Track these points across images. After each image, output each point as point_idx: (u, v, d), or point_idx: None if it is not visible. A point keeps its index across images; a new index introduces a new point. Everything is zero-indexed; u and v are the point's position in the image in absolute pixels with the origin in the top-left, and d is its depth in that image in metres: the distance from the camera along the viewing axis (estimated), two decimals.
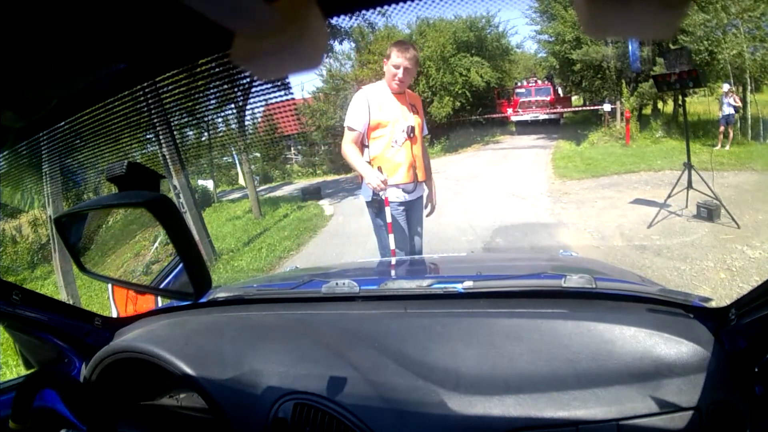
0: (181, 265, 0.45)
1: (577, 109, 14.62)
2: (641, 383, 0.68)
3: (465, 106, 13.95)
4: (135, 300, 2.11)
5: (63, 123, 0.55)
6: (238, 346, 0.91)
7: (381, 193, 2.16)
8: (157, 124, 0.76)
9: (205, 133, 5.89)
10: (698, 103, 10.82)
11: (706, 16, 8.98)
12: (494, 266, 1.62)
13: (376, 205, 2.24)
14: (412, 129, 2.25)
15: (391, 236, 2.21)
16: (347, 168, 2.40)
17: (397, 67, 2.16)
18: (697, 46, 9.07)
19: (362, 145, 2.27)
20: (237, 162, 9.07)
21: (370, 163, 2.22)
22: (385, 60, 2.22)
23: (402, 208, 2.30)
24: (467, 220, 5.37)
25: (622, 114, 10.98)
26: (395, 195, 2.26)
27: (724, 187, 5.10)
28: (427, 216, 2.51)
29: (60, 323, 0.96)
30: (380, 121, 2.21)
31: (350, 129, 2.23)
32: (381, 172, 2.14)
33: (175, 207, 0.44)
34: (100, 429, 0.69)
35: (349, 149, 2.23)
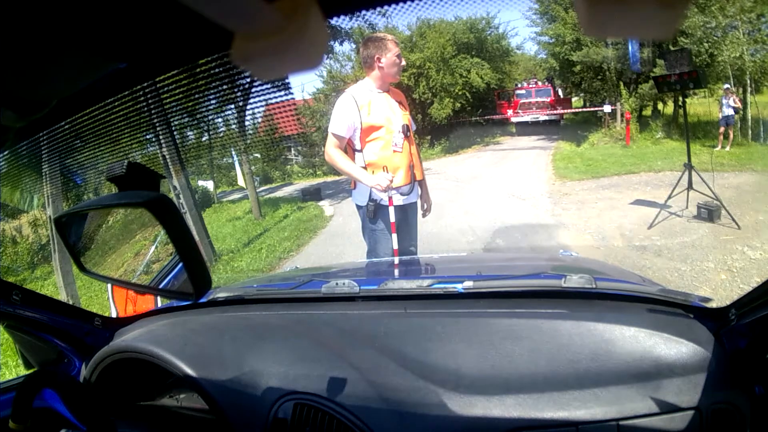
0: (180, 265, 0.45)
1: (577, 110, 14.61)
2: (641, 383, 0.68)
3: (465, 107, 13.94)
4: (135, 300, 2.11)
5: (63, 123, 0.55)
6: (238, 346, 0.91)
7: (387, 193, 2.09)
8: (157, 124, 0.76)
9: (206, 134, 5.88)
10: (698, 105, 10.83)
11: (705, 18, 8.99)
12: (494, 266, 1.62)
13: (372, 209, 2.14)
14: (407, 128, 2.16)
15: (395, 236, 2.15)
16: None
17: (399, 56, 2.11)
18: (697, 47, 9.08)
19: (353, 150, 2.17)
20: (236, 163, 9.05)
21: (365, 168, 2.12)
22: (377, 58, 2.09)
23: (398, 213, 2.18)
24: (467, 221, 5.35)
25: (622, 115, 10.98)
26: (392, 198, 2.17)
27: (724, 188, 5.10)
28: (423, 217, 2.41)
29: (60, 323, 0.96)
30: (373, 124, 2.09)
31: (336, 135, 2.11)
32: (386, 171, 2.08)
33: (175, 207, 0.44)
34: (100, 429, 0.69)
35: (336, 154, 2.11)
